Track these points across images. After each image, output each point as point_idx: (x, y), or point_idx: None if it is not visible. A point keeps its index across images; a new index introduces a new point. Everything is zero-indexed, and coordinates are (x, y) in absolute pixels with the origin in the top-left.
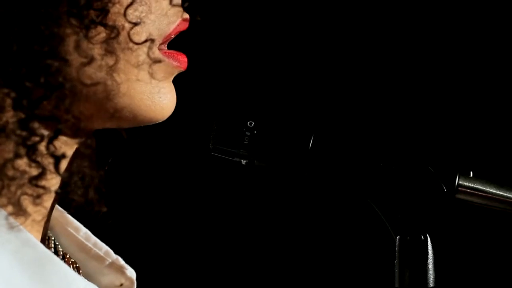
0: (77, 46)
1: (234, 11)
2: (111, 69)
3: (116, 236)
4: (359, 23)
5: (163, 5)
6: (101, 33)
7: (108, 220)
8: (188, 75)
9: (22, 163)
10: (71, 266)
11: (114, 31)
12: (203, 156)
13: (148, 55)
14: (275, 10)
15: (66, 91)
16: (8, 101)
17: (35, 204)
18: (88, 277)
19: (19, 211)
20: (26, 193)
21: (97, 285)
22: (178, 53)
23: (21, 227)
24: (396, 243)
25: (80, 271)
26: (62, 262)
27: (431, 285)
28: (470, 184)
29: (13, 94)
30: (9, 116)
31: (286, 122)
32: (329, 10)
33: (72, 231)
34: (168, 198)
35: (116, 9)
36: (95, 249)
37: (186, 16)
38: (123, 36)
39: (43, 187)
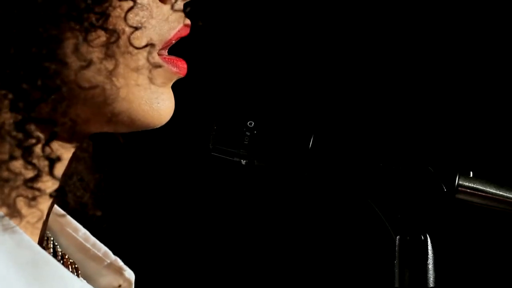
0: (76, 49)
1: (234, 12)
2: (110, 73)
3: (115, 236)
4: (359, 23)
5: (165, 10)
6: (101, 36)
7: (103, 223)
8: (188, 75)
9: (18, 165)
10: (70, 266)
11: (114, 35)
12: (203, 156)
13: (148, 60)
14: (274, 11)
15: (63, 94)
16: (5, 103)
17: (30, 206)
18: (87, 277)
19: (14, 213)
20: (21, 195)
21: (96, 286)
22: (178, 59)
23: (16, 228)
24: (396, 243)
25: (79, 271)
26: (57, 263)
27: (431, 285)
28: (470, 184)
29: (10, 96)
30: (6, 117)
31: (286, 122)
32: (329, 10)
33: (71, 231)
34: (168, 199)
35: (116, 13)
36: (93, 249)
37: (188, 22)
38: (123, 40)
39: (39, 189)
